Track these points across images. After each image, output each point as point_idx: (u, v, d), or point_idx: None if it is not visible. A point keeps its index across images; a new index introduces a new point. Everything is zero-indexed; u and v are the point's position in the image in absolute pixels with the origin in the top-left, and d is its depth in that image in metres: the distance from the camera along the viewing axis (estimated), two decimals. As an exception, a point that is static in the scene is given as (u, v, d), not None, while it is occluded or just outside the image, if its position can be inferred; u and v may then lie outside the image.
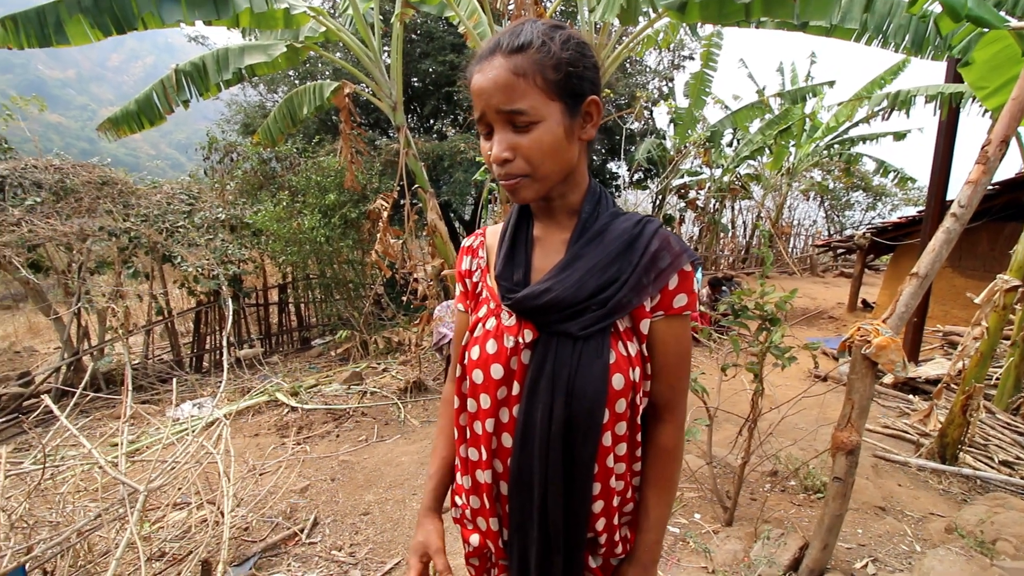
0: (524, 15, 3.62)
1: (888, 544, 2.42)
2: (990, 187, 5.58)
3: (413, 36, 8.37)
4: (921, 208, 5.85)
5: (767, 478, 3.06)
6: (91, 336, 5.45)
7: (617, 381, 0.77)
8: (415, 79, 8.78)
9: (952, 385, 3.43)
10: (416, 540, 0.94)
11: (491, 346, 0.82)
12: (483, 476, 0.86)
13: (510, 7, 3.72)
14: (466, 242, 0.95)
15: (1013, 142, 3.61)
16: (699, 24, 4.26)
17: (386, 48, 6.71)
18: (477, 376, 0.83)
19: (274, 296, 7.22)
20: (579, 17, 4.88)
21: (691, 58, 10.60)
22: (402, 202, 6.62)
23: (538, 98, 0.72)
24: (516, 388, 0.81)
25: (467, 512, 0.92)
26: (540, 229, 0.86)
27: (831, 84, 8.47)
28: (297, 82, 8.32)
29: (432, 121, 9.88)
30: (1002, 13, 3.09)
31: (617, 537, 0.88)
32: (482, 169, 5.63)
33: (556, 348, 0.77)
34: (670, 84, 10.57)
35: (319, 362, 6.26)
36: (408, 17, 4.69)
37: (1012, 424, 3.81)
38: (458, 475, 0.95)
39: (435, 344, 4.68)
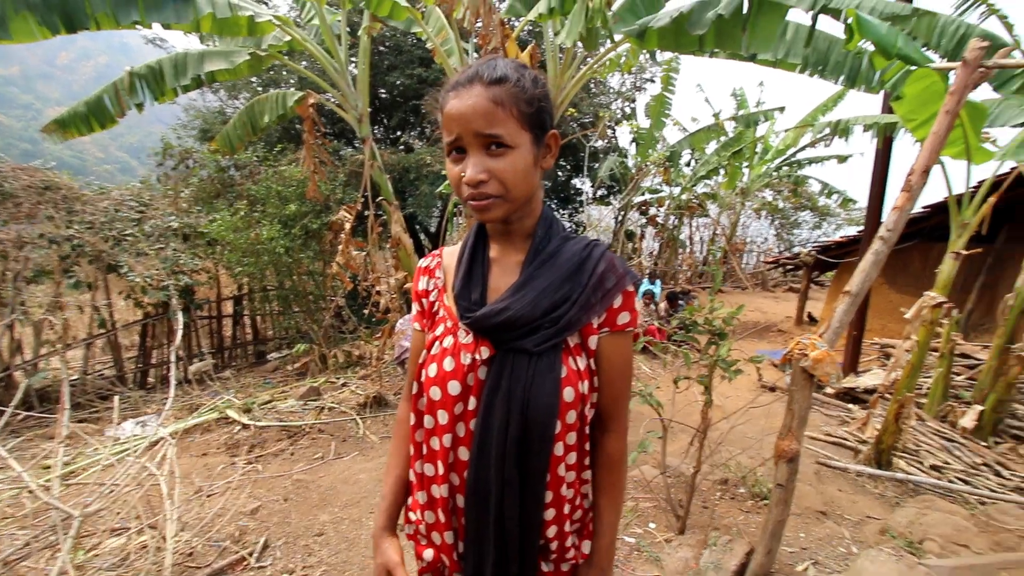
0: (491, 35, 3.70)
1: (828, 547, 2.55)
2: (921, 210, 6.02)
3: (381, 48, 8.37)
4: (861, 228, 6.23)
5: (718, 486, 3.17)
6: (24, 350, 5.12)
7: (568, 394, 0.82)
8: (382, 91, 8.77)
9: (887, 395, 3.65)
10: (377, 563, 0.96)
11: (448, 363, 0.85)
12: (439, 490, 0.88)
13: (477, 26, 3.79)
14: (423, 263, 0.98)
15: (938, 170, 3.93)
16: (658, 51, 4.46)
17: (353, 59, 6.70)
18: (435, 393, 0.85)
19: (228, 308, 6.99)
20: (544, 39, 5.02)
21: (652, 81, 11.00)
22: (366, 213, 6.58)
23: (513, 127, 0.78)
24: (472, 403, 0.84)
25: (421, 528, 0.94)
26: (496, 251, 0.90)
27: (781, 110, 8.95)
28: (260, 89, 8.16)
29: (399, 133, 9.87)
30: (928, 53, 3.39)
31: (568, 543, 0.92)
32: (446, 183, 5.66)
33: (512, 364, 0.81)
34: (632, 105, 10.94)
35: (275, 377, 6.08)
36: (376, 31, 4.71)
37: (940, 431, 4.09)
38: (414, 492, 0.96)
39: (397, 357, 4.64)
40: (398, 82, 8.46)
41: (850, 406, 4.85)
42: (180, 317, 3.70)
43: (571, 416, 0.84)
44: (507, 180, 0.78)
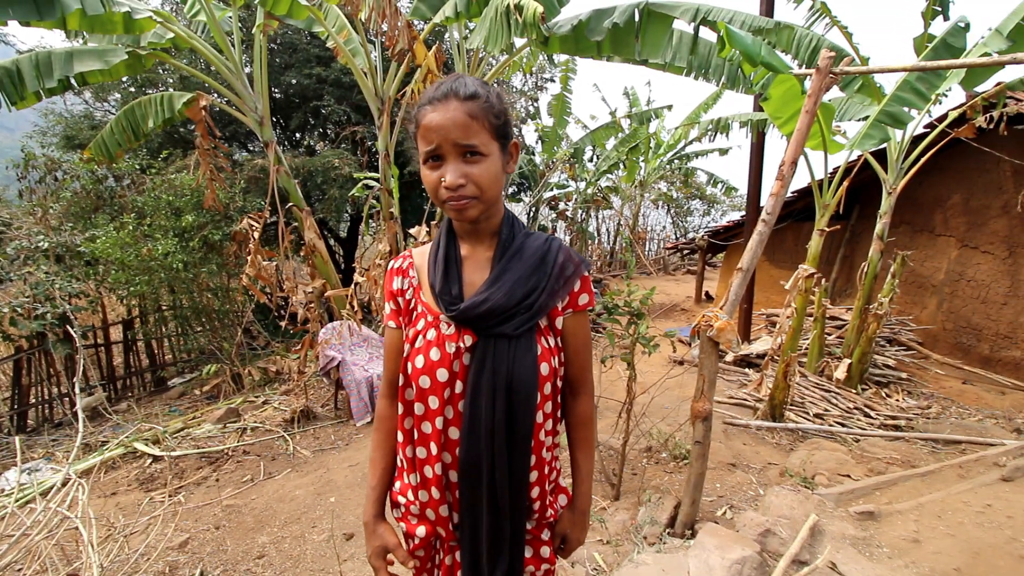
0: (398, 37, 3.70)
1: (740, 492, 2.91)
2: (791, 195, 6.88)
3: (273, 46, 7.92)
4: (743, 213, 7.00)
5: (643, 454, 3.47)
6: None
7: (544, 368, 0.95)
8: (276, 91, 8.29)
9: (775, 357, 4.19)
10: (374, 546, 1.04)
11: (435, 353, 0.93)
12: (432, 470, 0.96)
13: (383, 27, 3.77)
14: (395, 264, 1.05)
15: (803, 160, 4.56)
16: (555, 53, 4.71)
17: (246, 58, 6.28)
18: (424, 381, 0.94)
19: (117, 334, 6.29)
20: (447, 39, 5.08)
21: (552, 81, 11.44)
22: (272, 220, 6.22)
23: (486, 137, 0.89)
24: (459, 387, 0.94)
25: (413, 508, 1.02)
26: (466, 249, 1.00)
27: (670, 108, 9.73)
28: (134, 90, 7.38)
29: (299, 135, 9.39)
30: (788, 59, 3.92)
31: (547, 502, 1.04)
32: (359, 185, 5.54)
33: (494, 347, 0.91)
34: (536, 104, 11.29)
35: (181, 403, 5.60)
36: (272, 29, 4.49)
37: (819, 383, 4.75)
38: (404, 476, 1.04)
39: (322, 369, 4.50)
40: (294, 81, 8.05)
41: (746, 370, 5.46)
42: (71, 347, 3.30)
43: (547, 388, 0.97)
44: (482, 184, 0.89)
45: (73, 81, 3.96)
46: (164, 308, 6.54)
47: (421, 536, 1.01)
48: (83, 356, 3.43)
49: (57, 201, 5.65)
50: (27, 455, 4.01)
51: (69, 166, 5.82)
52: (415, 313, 1.00)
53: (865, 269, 4.84)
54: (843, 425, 4.10)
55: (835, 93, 4.51)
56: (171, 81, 7.47)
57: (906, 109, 3.81)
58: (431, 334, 0.95)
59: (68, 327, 4.17)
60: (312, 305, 4.70)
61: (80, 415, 2.04)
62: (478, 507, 0.95)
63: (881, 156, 4.75)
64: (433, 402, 0.94)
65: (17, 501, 2.43)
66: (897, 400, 4.73)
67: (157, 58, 4.38)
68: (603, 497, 2.91)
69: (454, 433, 0.95)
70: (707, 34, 3.81)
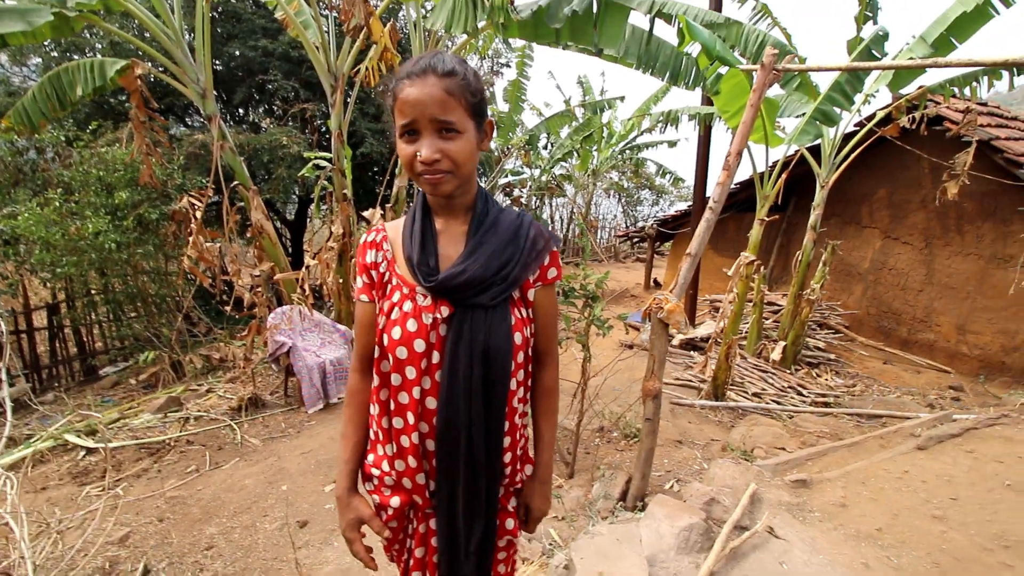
0: (352, 11, 3.57)
1: (686, 466, 3.08)
2: (734, 186, 7.21)
3: (214, 15, 7.43)
4: (690, 203, 7.28)
5: (596, 434, 3.60)
6: None
7: (518, 338, 0.98)
8: (218, 63, 7.80)
9: (718, 340, 4.42)
10: (347, 518, 1.06)
11: (411, 324, 0.94)
12: (409, 439, 0.98)
13: (335, 1, 3.63)
14: (368, 237, 1.05)
15: (746, 153, 4.78)
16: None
17: (187, 27, 5.86)
18: (401, 352, 0.95)
19: (41, 320, 5.82)
20: (402, 17, 4.96)
21: (508, 66, 11.37)
22: (216, 199, 5.90)
23: (462, 115, 0.90)
24: (436, 357, 0.95)
25: (386, 480, 1.03)
26: (441, 223, 1.01)
27: (622, 99, 9.91)
28: (57, 55, 6.76)
29: (243, 111, 8.91)
30: (738, 55, 4.09)
31: (517, 467, 1.09)
32: (309, 166, 5.34)
33: (471, 317, 0.94)
34: (491, 89, 11.19)
35: (116, 393, 5.28)
36: (213, -3, 4.22)
37: (758, 365, 5.06)
38: (378, 448, 1.05)
39: (271, 355, 4.35)
40: (238, 53, 7.60)
41: (692, 353, 5.73)
42: (2, 328, 3.01)
43: (520, 356, 1.00)
44: (457, 159, 0.90)
45: (-14, 41, 3.59)
46: (94, 292, 6.10)
47: (395, 506, 1.03)
48: (6, 341, 3.16)
49: (-33, 174, 5.13)
50: (-62, 451, 3.67)
51: (-19, 136, 5.27)
52: (389, 286, 1.00)
53: (799, 257, 5.17)
54: (778, 403, 4.40)
55: (777, 91, 4.75)
56: (100, 47, 6.88)
57: (836, 109, 4.07)
58: (407, 306, 0.96)
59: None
60: (259, 289, 4.51)
61: (7, 403, 1.89)
62: (455, 473, 0.97)
63: (816, 151, 5.06)
64: (410, 372, 0.95)
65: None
66: (826, 379, 5.12)
67: (87, 20, 4.03)
68: (558, 475, 3.01)
69: (431, 403, 0.97)
70: (660, 30, 3.92)
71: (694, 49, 3.30)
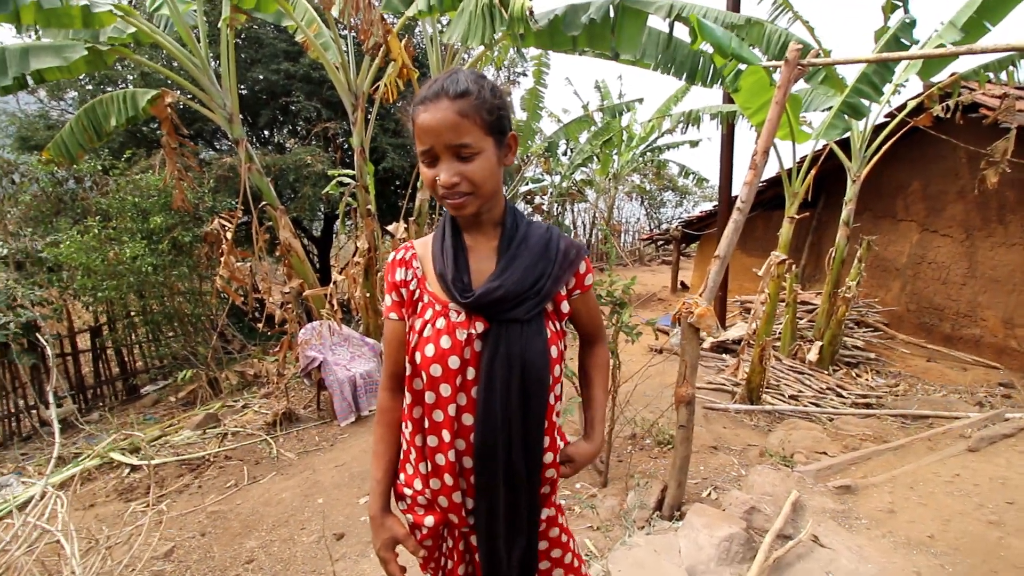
0: (371, 30, 3.65)
1: (723, 473, 3.00)
2: (760, 184, 7.07)
3: (238, 41, 7.70)
4: (715, 203, 7.16)
5: (628, 441, 3.54)
6: None
7: (553, 351, 0.98)
8: (243, 87, 8.07)
9: (751, 342, 4.32)
10: (382, 538, 1.05)
11: (445, 341, 0.94)
12: (445, 457, 0.97)
13: (356, 21, 3.72)
14: (397, 255, 1.05)
15: (772, 150, 4.69)
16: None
17: (213, 54, 6.08)
18: (435, 370, 0.94)
19: (85, 342, 6.06)
20: (424, 35, 5.04)
21: (525, 75, 11.43)
22: (245, 220, 6.07)
23: (478, 134, 0.90)
24: (471, 373, 0.95)
25: (419, 499, 1.03)
26: (470, 239, 1.01)
27: (641, 101, 9.85)
28: (92, 88, 7.09)
29: (268, 133, 9.17)
30: (757, 52, 4.02)
31: (556, 475, 1.07)
32: (333, 183, 5.45)
33: (507, 332, 0.93)
34: (509, 98, 11.27)
35: (157, 411, 5.45)
36: (239, 23, 4.37)
37: (794, 366, 4.92)
38: (409, 466, 1.04)
39: (303, 370, 4.43)
40: (261, 77, 7.85)
41: (723, 356, 5.61)
42: (36, 356, 3.17)
43: (556, 370, 1.00)
44: (476, 180, 0.91)
45: (29, 79, 3.79)
46: (133, 314, 6.34)
47: (429, 526, 1.02)
48: (54, 363, 3.30)
49: (15, 205, 5.40)
50: (-6, 470, 3.85)
51: (27, 168, 5.56)
52: (420, 304, 1.00)
53: (833, 255, 5.01)
54: (817, 405, 4.25)
55: (800, 85, 4.65)
56: (132, 78, 7.19)
57: (864, 101, 3.95)
58: (440, 323, 0.96)
59: (38, 335, 4.00)
60: (289, 306, 4.62)
61: (56, 424, 1.97)
62: (495, 490, 0.96)
63: (845, 145, 4.92)
64: (445, 390, 0.95)
65: (-7, 517, 2.35)
66: (867, 379, 4.94)
67: (119, 54, 4.21)
68: (591, 484, 2.97)
69: (467, 419, 0.96)
70: (679, 32, 3.88)
71: (709, 47, 3.25)
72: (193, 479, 3.55)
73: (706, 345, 5.85)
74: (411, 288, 1.02)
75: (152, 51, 6.79)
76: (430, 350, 0.94)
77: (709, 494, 2.68)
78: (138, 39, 4.28)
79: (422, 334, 0.96)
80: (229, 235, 4.36)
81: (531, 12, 3.10)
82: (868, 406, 4.25)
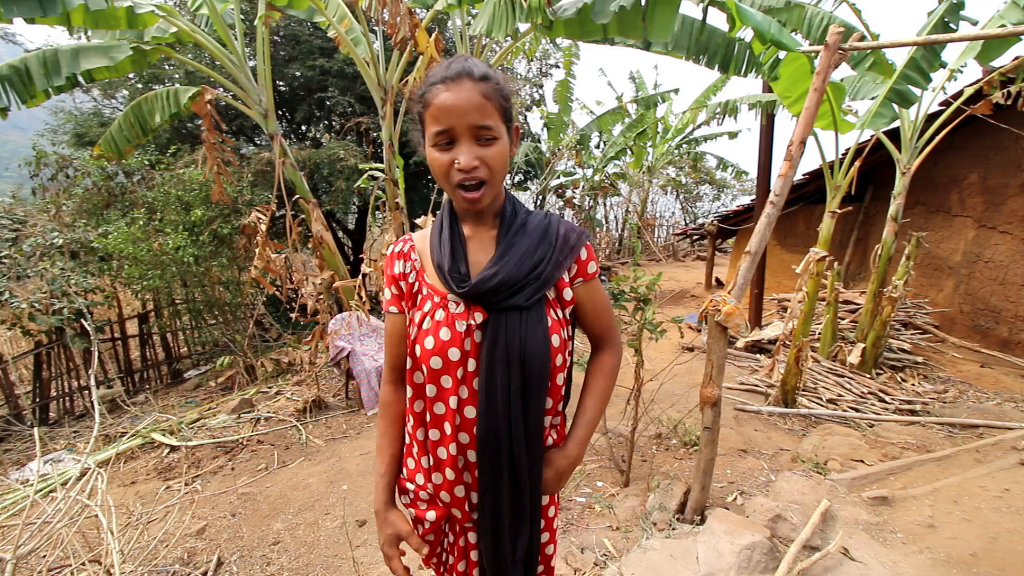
0: (399, 24, 3.66)
1: (751, 478, 2.90)
2: (802, 177, 6.76)
3: (276, 39, 7.91)
4: (753, 197, 6.90)
5: (653, 440, 3.47)
6: None
7: (555, 340, 0.95)
8: (281, 84, 8.29)
9: (787, 342, 4.14)
10: (386, 534, 1.04)
11: (444, 333, 0.93)
12: (447, 451, 0.96)
13: (384, 15, 3.74)
14: (395, 248, 1.04)
15: (813, 141, 4.47)
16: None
17: (250, 51, 6.27)
18: (436, 362, 0.93)
19: (133, 327, 6.39)
20: (452, 27, 5.03)
21: (557, 67, 11.30)
22: (280, 213, 6.25)
23: (497, 119, 0.89)
24: (472, 365, 0.93)
25: (422, 493, 1.02)
26: (469, 229, 0.99)
27: (676, 91, 9.58)
28: (140, 86, 7.42)
29: (305, 128, 9.40)
30: (797, 37, 3.83)
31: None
32: (365, 176, 5.53)
33: (506, 321, 0.91)
34: (540, 91, 11.18)
35: (197, 395, 5.70)
36: (274, 21, 4.47)
37: (833, 368, 4.70)
38: (411, 460, 1.04)
39: (332, 359, 4.54)
40: (298, 74, 8.03)
41: (758, 356, 5.42)
42: (88, 341, 3.36)
43: (559, 359, 0.97)
44: (494, 167, 0.89)
45: (80, 78, 3.98)
46: (177, 302, 6.63)
47: (431, 520, 1.01)
48: (96, 348, 3.48)
49: (70, 198, 5.72)
50: (49, 447, 4.11)
51: (80, 163, 5.88)
52: (420, 296, 0.99)
53: (879, 251, 4.75)
54: (857, 410, 4.06)
55: (848, 72, 4.40)
56: (178, 76, 7.49)
57: (913, 88, 3.71)
58: (439, 315, 0.94)
59: (82, 321, 4.23)
60: (321, 296, 4.72)
61: (96, 406, 2.08)
62: (499, 482, 0.94)
63: (895, 135, 4.64)
64: (446, 382, 0.93)
65: (39, 492, 2.50)
66: (913, 384, 4.67)
67: (161, 53, 4.38)
68: (612, 484, 2.92)
69: (469, 412, 0.94)
70: (713, 18, 3.73)
71: (747, 35, 3.11)
72: (227, 461, 3.69)
73: (740, 344, 5.67)
74: (410, 281, 1.01)
75: (195, 50, 7.04)
76: (430, 343, 0.93)
77: (735, 499, 2.59)
78: (180, 39, 4.44)
79: (421, 327, 0.95)
80: (264, 227, 4.49)
81: (549, 1, 3.03)
82: (912, 413, 4.03)
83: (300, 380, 5.25)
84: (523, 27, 3.99)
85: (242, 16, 4.62)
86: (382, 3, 3.65)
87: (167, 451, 3.81)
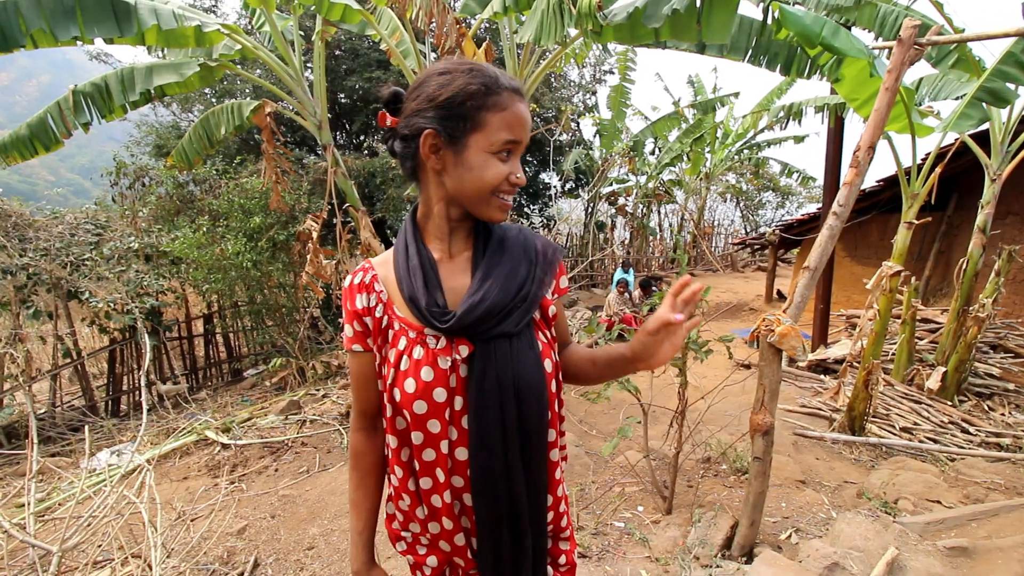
0: (447, 34, 3.69)
1: (808, 514, 2.65)
2: (875, 184, 6.25)
3: (337, 52, 8.26)
4: (820, 205, 6.45)
5: (701, 464, 3.25)
6: (-15, 386, 4.90)
7: (547, 365, 0.87)
8: (342, 95, 8.65)
9: (855, 363, 3.80)
10: None
11: (427, 373, 0.82)
12: (441, 499, 0.87)
13: (431, 26, 3.77)
14: (355, 279, 0.91)
15: (885, 144, 4.10)
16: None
17: (308, 65, 6.57)
18: (420, 407, 0.83)
19: (199, 327, 6.80)
20: (500, 35, 5.03)
21: (611, 72, 11.13)
22: (333, 221, 6.48)
23: None
24: (459, 403, 0.84)
25: (421, 539, 0.94)
26: (438, 251, 0.89)
27: (736, 95, 9.17)
28: (214, 100, 7.96)
29: (362, 138, 9.75)
30: (869, 36, 3.52)
31: (561, 510, 0.97)
32: (413, 185, 5.62)
33: (495, 351, 0.82)
34: (593, 97, 11.04)
35: (253, 394, 5.96)
36: (329, 35, 4.64)
37: (908, 393, 4.27)
38: (403, 503, 0.93)
39: (376, 364, 4.61)
40: (357, 86, 8.35)
41: (822, 377, 5.02)
42: (148, 340, 3.59)
43: (553, 385, 0.88)
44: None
45: (153, 93, 4.27)
46: (239, 304, 7.00)
47: (433, 566, 0.94)
48: (148, 348, 3.70)
49: (145, 205, 6.18)
50: (117, 438, 4.41)
51: (155, 173, 6.35)
52: (391, 331, 0.88)
53: (964, 266, 4.28)
54: (935, 441, 3.65)
55: (929, 70, 4.02)
56: (247, 91, 7.97)
57: (1010, 85, 3.31)
58: (418, 352, 0.84)
59: (144, 321, 4.52)
60: (368, 302, 4.82)
61: (144, 405, 2.18)
62: (498, 528, 0.86)
63: (983, 139, 4.18)
64: (434, 426, 0.84)
65: (92, 487, 2.66)
66: (1002, 415, 4.17)
67: (226, 69, 4.64)
68: (654, 510, 2.75)
69: (462, 454, 0.85)
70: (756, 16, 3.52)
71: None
72: (272, 461, 3.80)
73: (802, 363, 5.28)
74: (377, 316, 0.89)
75: (261, 66, 7.46)
76: (411, 385, 0.83)
77: (789, 536, 2.37)
78: (244, 55, 4.69)
79: (399, 367, 0.85)
80: (315, 234, 4.64)
81: (599, 6, 2.93)
82: (1001, 448, 3.57)
83: (346, 384, 5.38)
84: (572, 31, 3.91)
85: (301, 32, 4.81)
86: (429, 14, 3.68)
87: (218, 449, 3.98)
